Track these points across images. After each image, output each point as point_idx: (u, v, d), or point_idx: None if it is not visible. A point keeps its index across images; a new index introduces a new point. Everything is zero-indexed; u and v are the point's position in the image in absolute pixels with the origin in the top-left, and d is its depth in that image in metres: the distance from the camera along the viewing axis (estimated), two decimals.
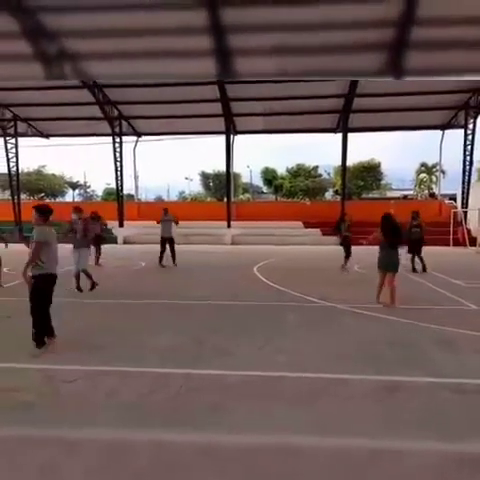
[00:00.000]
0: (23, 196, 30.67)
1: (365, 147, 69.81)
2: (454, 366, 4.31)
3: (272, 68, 4.10)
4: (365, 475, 2.57)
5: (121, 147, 24.27)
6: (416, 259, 11.08)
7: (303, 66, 4.14)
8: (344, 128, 22.82)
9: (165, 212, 12.87)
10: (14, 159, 24.60)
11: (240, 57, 4.27)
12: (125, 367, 4.20)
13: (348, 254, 11.89)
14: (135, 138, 26.79)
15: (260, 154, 72.69)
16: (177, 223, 12.96)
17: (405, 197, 39.78)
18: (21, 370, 4.16)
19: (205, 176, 44.53)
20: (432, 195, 37.11)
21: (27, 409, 3.30)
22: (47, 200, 41.11)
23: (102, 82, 19.97)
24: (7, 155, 24.41)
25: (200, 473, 2.55)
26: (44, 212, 4.93)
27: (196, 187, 49.32)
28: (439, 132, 24.92)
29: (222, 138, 24.15)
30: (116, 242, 23.34)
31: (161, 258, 12.46)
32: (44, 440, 2.90)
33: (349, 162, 27.39)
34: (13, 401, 3.42)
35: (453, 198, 26.98)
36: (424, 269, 11.01)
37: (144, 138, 27.00)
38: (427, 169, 42.29)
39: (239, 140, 26.32)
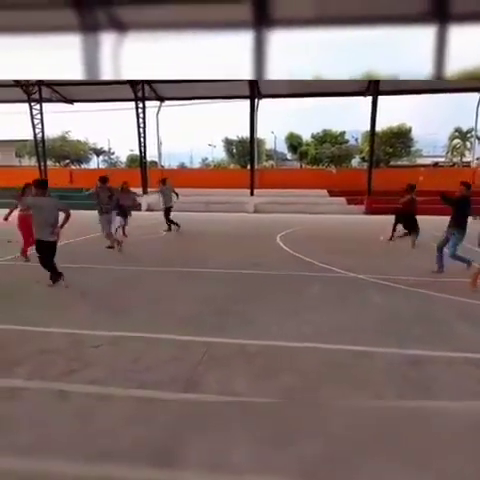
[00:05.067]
0: (49, 162, 31.05)
1: (395, 111, 66.71)
2: None
3: (311, 12, 3.77)
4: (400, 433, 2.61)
5: (144, 112, 24.01)
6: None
7: (343, 10, 3.80)
8: (375, 91, 21.76)
9: (163, 182, 12.83)
10: (39, 125, 24.73)
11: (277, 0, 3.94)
12: (148, 333, 4.27)
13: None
14: (158, 103, 26.42)
15: (285, 119, 70.63)
16: (177, 195, 12.95)
17: (436, 164, 38.10)
18: (48, 334, 4.29)
19: (228, 142, 43.84)
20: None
21: (57, 367, 3.42)
22: (72, 166, 41.68)
23: None
24: (32, 121, 24.50)
25: (222, 428, 2.62)
26: (42, 185, 6.06)
27: (219, 153, 48.86)
28: (476, 95, 23.46)
29: (246, 103, 23.53)
30: (140, 209, 23.56)
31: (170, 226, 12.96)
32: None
33: (378, 127, 26.29)
34: (46, 360, 3.55)
35: None
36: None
37: (167, 103, 26.59)
38: (461, 135, 40.18)
39: (263, 104, 25.55)
